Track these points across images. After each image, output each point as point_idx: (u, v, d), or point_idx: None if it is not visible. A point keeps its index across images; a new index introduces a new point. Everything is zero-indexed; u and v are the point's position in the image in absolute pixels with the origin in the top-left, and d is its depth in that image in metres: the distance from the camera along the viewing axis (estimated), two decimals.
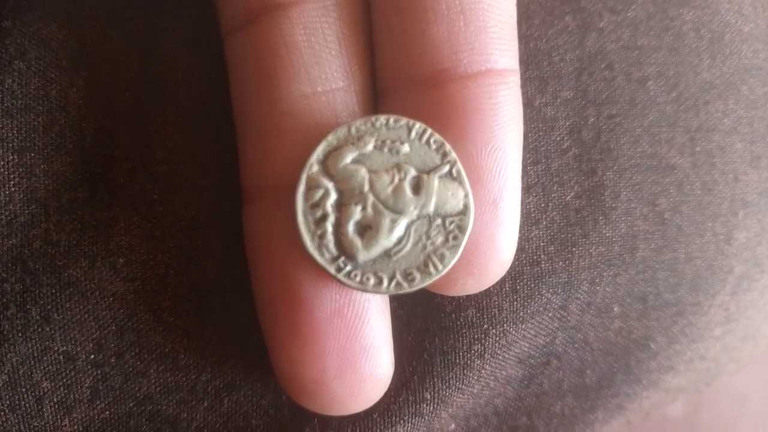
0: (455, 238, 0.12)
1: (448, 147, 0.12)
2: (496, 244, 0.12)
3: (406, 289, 0.12)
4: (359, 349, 0.12)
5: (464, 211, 0.12)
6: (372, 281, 0.12)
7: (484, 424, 0.15)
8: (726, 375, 0.20)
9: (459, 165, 0.12)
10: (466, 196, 0.12)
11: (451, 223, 0.12)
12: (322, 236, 0.12)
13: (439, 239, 0.12)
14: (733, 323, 0.17)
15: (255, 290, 0.13)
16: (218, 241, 0.14)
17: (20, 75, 0.14)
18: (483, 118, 0.12)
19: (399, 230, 0.12)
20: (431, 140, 0.12)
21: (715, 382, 0.21)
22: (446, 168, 0.12)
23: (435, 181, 0.12)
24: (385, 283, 0.12)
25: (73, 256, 0.13)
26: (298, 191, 0.12)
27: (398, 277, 0.12)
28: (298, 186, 0.12)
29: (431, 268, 0.12)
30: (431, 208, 0.12)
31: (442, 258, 0.12)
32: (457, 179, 0.12)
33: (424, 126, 0.12)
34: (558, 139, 0.15)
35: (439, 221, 0.12)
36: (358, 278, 0.12)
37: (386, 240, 0.12)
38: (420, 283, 0.12)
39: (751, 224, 0.16)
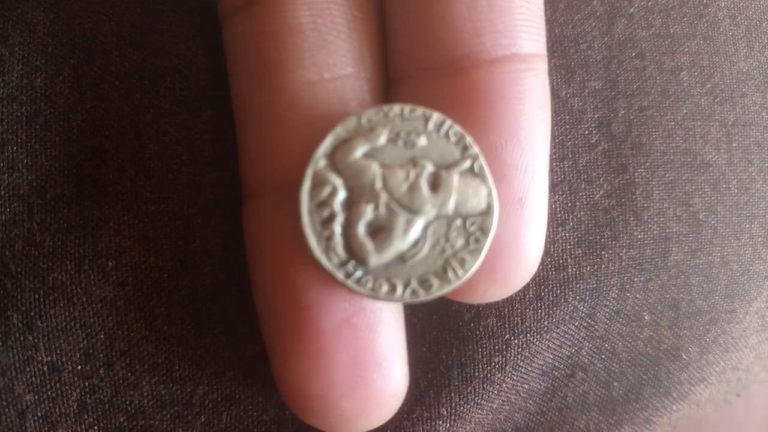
0: (477, 240, 0.11)
1: (469, 140, 0.11)
2: (522, 247, 0.11)
3: (423, 297, 0.11)
4: (370, 362, 0.11)
5: (487, 211, 0.11)
6: (385, 288, 0.11)
7: None
8: (757, 385, 0.19)
9: (481, 160, 0.11)
10: (489, 194, 0.11)
11: (473, 224, 0.11)
12: (329, 238, 0.11)
13: (459, 242, 0.11)
14: None
15: (256, 297, 0.12)
16: (216, 242, 0.13)
17: (2, 62, 0.13)
18: (508, 108, 0.11)
19: (415, 232, 0.11)
20: (450, 132, 0.11)
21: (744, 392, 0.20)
22: (467, 163, 0.11)
23: (455, 178, 0.11)
24: (399, 290, 0.11)
25: (59, 259, 0.13)
26: (303, 188, 0.11)
27: (414, 283, 0.11)
28: (303, 182, 0.11)
29: (450, 274, 0.11)
30: (450, 207, 0.11)
31: (462, 263, 0.11)
32: (479, 175, 0.11)
33: (442, 116, 0.11)
34: (586, 133, 0.14)
35: (459, 222, 0.11)
36: (369, 285, 0.11)
37: (401, 242, 0.11)
38: (438, 291, 0.11)
39: None
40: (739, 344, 0.16)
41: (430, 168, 0.11)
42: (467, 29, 0.11)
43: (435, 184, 0.11)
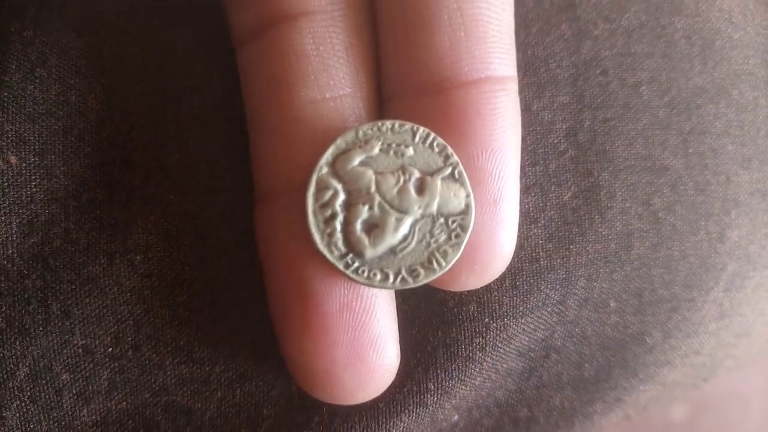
0: (457, 236, 0.13)
1: (450, 150, 0.13)
2: (497, 242, 0.13)
3: (411, 284, 0.13)
4: (367, 341, 0.12)
5: (466, 211, 0.13)
6: (378, 277, 0.12)
7: (486, 415, 0.16)
8: (723, 371, 0.20)
9: (461, 167, 0.13)
10: (467, 196, 0.13)
11: (454, 222, 0.13)
12: (331, 234, 0.12)
13: (442, 237, 0.13)
14: (727, 319, 0.17)
15: (267, 285, 0.14)
16: (230, 239, 0.14)
17: (41, 82, 0.14)
18: (483, 123, 0.12)
19: (404, 229, 0.12)
20: (434, 144, 0.13)
21: (716, 382, 0.21)
22: (448, 170, 0.13)
23: (438, 182, 0.13)
24: (391, 278, 0.12)
25: (92, 254, 0.14)
26: (309, 192, 0.12)
27: (403, 273, 0.12)
28: (309, 187, 0.12)
29: (435, 265, 0.12)
30: (434, 207, 0.13)
31: (445, 255, 0.13)
32: (458, 180, 0.13)
33: (427, 130, 0.13)
34: (555, 141, 0.15)
35: (442, 220, 0.13)
36: (365, 274, 0.12)
37: (392, 238, 0.12)
38: (424, 279, 0.13)
39: (743, 223, 0.17)
40: (700, 330, 0.17)
41: (416, 174, 0.13)
42: (448, 56, 0.12)
43: (421, 188, 0.13)
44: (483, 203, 0.13)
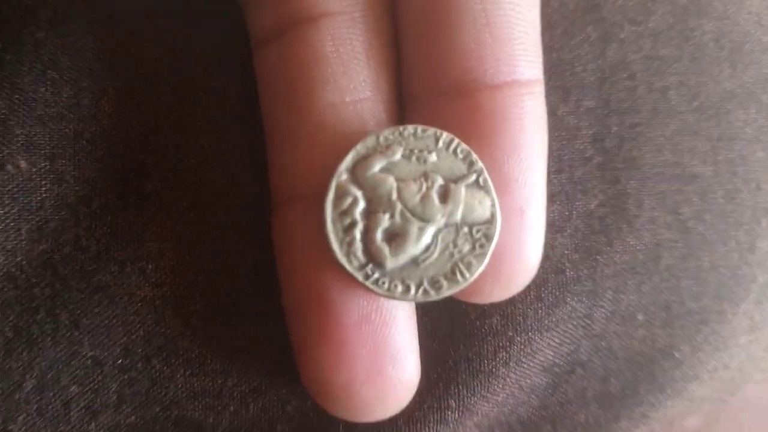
0: (482, 246, 0.12)
1: (474, 156, 0.12)
2: (523, 252, 0.13)
3: (433, 296, 0.12)
4: (387, 355, 0.12)
5: (491, 220, 0.12)
6: (400, 288, 0.12)
7: None
8: (752, 385, 0.20)
9: (485, 174, 0.12)
10: (492, 204, 0.12)
11: (478, 231, 0.12)
12: (350, 243, 0.12)
13: (466, 247, 0.12)
14: (758, 332, 0.17)
15: (284, 295, 0.13)
16: (247, 247, 0.14)
17: (53, 84, 0.14)
18: (509, 128, 0.12)
19: (426, 238, 0.12)
20: (458, 149, 0.12)
21: (739, 393, 0.21)
22: (473, 177, 0.12)
23: (462, 190, 0.12)
24: (413, 290, 0.12)
25: (103, 262, 0.14)
26: (328, 199, 0.12)
27: (425, 284, 0.12)
28: (328, 194, 0.12)
29: (458, 276, 0.12)
30: (458, 216, 0.12)
31: (469, 266, 0.12)
32: (483, 188, 0.12)
33: (451, 136, 0.12)
34: (581, 147, 0.15)
35: (466, 229, 0.12)
36: (385, 285, 0.12)
37: (414, 248, 0.12)
38: (447, 291, 0.12)
39: None
40: (729, 343, 0.17)
41: (440, 181, 0.12)
42: (473, 58, 0.12)
43: (444, 195, 0.12)
44: (509, 212, 0.12)
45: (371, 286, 0.12)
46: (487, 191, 0.12)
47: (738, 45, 0.16)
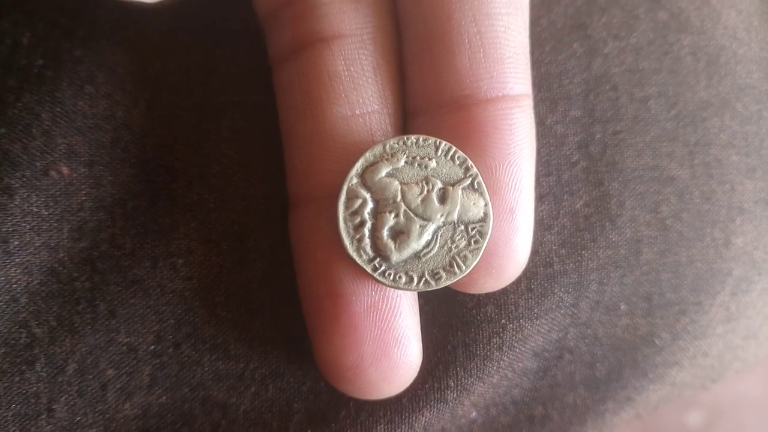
0: (476, 242, 0.13)
1: (470, 162, 0.13)
2: (513, 248, 0.14)
3: (434, 286, 0.13)
4: (392, 339, 0.13)
5: (484, 219, 0.13)
6: (404, 279, 0.13)
7: (503, 412, 0.16)
8: (732, 373, 0.21)
9: (479, 178, 0.13)
10: (486, 205, 0.13)
11: (473, 229, 0.13)
12: (360, 240, 0.13)
13: (463, 243, 0.13)
14: (734, 322, 0.18)
15: (300, 287, 0.14)
16: (266, 243, 0.15)
17: (90, 98, 0.15)
18: (500, 137, 0.13)
19: (427, 235, 0.13)
20: (455, 156, 0.14)
21: (731, 388, 0.21)
22: (468, 181, 0.13)
23: (459, 192, 0.13)
24: (415, 281, 0.13)
25: (137, 258, 0.15)
26: (340, 200, 0.13)
27: (426, 276, 0.13)
28: (340, 196, 0.13)
29: (455, 269, 0.13)
30: (455, 215, 0.13)
31: (465, 259, 0.13)
32: (478, 190, 0.13)
33: (449, 144, 0.14)
34: (568, 153, 0.16)
35: (462, 227, 0.13)
36: (391, 277, 0.13)
37: (416, 243, 0.13)
38: (445, 282, 0.13)
39: (748, 230, 0.17)
40: (707, 332, 0.17)
41: (439, 185, 0.13)
42: (468, 76, 0.13)
43: (443, 197, 0.13)
44: (500, 212, 0.14)
45: (379, 278, 0.13)
46: (481, 193, 0.13)
47: (714, 57, 0.17)
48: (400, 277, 0.13)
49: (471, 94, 0.13)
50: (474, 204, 0.13)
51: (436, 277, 0.13)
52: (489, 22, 0.13)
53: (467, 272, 0.13)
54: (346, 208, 0.13)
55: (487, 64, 0.13)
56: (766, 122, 0.18)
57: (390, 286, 0.13)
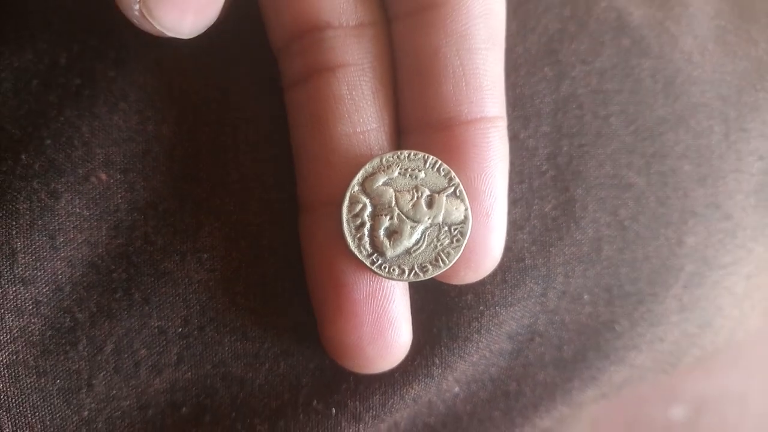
0: (458, 240, 0.15)
1: (453, 174, 0.15)
2: (488, 246, 0.15)
3: (422, 277, 0.15)
4: (387, 321, 0.15)
5: (465, 221, 0.15)
6: (396, 272, 0.15)
7: (482, 388, 0.18)
8: (691, 359, 0.22)
9: (461, 187, 0.15)
10: (466, 209, 0.15)
11: (455, 229, 0.15)
12: (360, 238, 0.15)
13: (446, 241, 0.15)
14: (688, 312, 0.19)
15: (308, 279, 0.16)
16: (279, 241, 0.16)
17: (124, 113, 0.16)
18: (479, 152, 0.15)
19: (417, 235, 0.15)
20: (441, 168, 0.15)
21: (715, 383, 0.21)
22: (452, 189, 0.15)
23: (443, 199, 0.15)
24: (407, 273, 0.15)
25: (167, 253, 0.16)
26: (344, 205, 0.15)
27: (416, 269, 0.15)
28: (344, 201, 0.15)
29: (440, 263, 0.15)
30: (440, 218, 0.15)
31: (448, 255, 0.15)
32: (459, 197, 0.15)
33: (435, 158, 0.15)
34: (538, 163, 0.18)
35: (446, 228, 0.15)
36: (386, 269, 0.15)
37: (407, 242, 0.15)
38: (432, 274, 0.15)
39: (699, 231, 0.19)
40: (663, 320, 0.19)
41: (427, 192, 0.15)
42: (452, 101, 0.15)
43: (430, 203, 0.15)
44: (478, 215, 0.15)
45: (376, 270, 0.15)
46: (462, 200, 0.15)
47: (671, 79, 0.19)
48: (393, 270, 0.15)
49: (454, 117, 0.15)
50: (456, 209, 0.15)
51: (424, 269, 0.15)
52: (470, 56, 0.15)
53: (450, 266, 0.15)
54: (349, 211, 0.15)
55: (468, 91, 0.15)
56: (716, 136, 0.19)
57: (385, 278, 0.15)
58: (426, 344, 0.17)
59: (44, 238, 0.15)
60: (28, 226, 0.15)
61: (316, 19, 0.15)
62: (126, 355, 0.16)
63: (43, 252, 0.15)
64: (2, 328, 0.15)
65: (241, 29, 0.17)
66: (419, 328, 0.17)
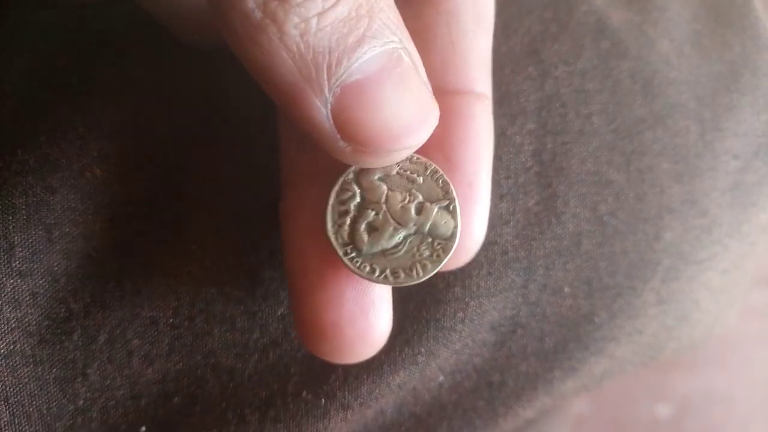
0: (438, 256, 0.14)
1: (451, 188, 0.14)
2: (470, 220, 0.15)
3: (391, 283, 0.14)
4: (368, 302, 0.14)
5: (451, 238, 0.14)
6: (367, 270, 0.14)
7: (466, 378, 0.19)
8: (670, 352, 0.22)
9: (456, 203, 0.14)
10: (455, 227, 0.14)
11: (438, 244, 0.14)
12: (341, 225, 0.14)
13: (426, 253, 0.14)
14: (665, 305, 0.20)
15: (285, 255, 0.15)
16: (263, 235, 0.16)
17: (117, 107, 0.16)
18: (463, 123, 0.15)
19: (397, 238, 0.14)
20: (440, 180, 0.14)
21: (700, 384, 0.21)
22: (446, 202, 0.14)
23: (435, 210, 0.14)
24: (377, 273, 0.14)
25: (160, 245, 0.16)
26: (334, 189, 0.14)
27: (387, 272, 0.14)
28: (335, 185, 0.14)
29: (414, 273, 0.14)
30: (427, 228, 0.14)
31: (424, 267, 0.14)
32: (451, 213, 0.14)
33: (436, 167, 0.14)
34: (524, 160, 0.18)
35: (430, 240, 0.14)
36: (357, 264, 0.14)
37: (386, 242, 0.14)
38: (402, 282, 0.14)
39: (676, 226, 0.19)
40: (641, 313, 0.19)
41: (419, 198, 0.14)
42: (440, 71, 0.15)
43: (420, 210, 0.14)
44: (460, 184, 0.14)
45: (346, 262, 0.14)
46: (454, 217, 0.14)
47: (649, 80, 0.19)
48: (364, 267, 0.14)
49: (441, 86, 0.15)
50: (445, 223, 0.14)
51: (395, 275, 0.14)
52: (460, 35, 0.15)
53: (423, 279, 0.14)
54: (337, 196, 0.14)
55: (457, 64, 0.15)
56: (693, 135, 0.20)
57: (353, 272, 0.14)
58: (414, 335, 0.17)
59: (41, 232, 0.16)
60: (25, 221, 0.15)
61: None
62: (119, 345, 0.16)
63: (39, 245, 0.15)
64: (0, 320, 0.15)
65: None
66: (407, 319, 0.17)
